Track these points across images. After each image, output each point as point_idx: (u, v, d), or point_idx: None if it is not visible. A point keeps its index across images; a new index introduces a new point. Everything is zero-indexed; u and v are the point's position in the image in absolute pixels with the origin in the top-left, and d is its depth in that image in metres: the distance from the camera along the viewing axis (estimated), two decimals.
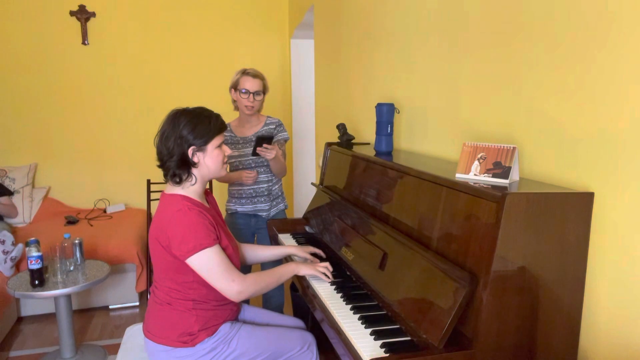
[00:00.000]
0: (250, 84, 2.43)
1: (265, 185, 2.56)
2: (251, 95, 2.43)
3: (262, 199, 2.57)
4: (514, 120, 1.50)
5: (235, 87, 2.47)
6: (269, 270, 1.76)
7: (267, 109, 4.79)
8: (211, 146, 1.66)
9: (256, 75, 2.46)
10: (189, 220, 1.57)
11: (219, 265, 1.59)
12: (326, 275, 1.77)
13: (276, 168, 2.49)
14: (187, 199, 1.63)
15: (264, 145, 2.27)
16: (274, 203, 2.61)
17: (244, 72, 2.46)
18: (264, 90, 2.50)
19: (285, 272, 1.78)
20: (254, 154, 2.30)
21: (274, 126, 2.57)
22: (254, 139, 2.46)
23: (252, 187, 2.55)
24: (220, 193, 4.46)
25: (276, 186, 2.63)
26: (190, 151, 1.62)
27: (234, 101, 2.52)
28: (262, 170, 2.54)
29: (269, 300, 2.61)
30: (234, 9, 4.58)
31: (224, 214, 2.40)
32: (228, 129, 2.56)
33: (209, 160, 1.66)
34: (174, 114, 1.65)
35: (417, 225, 1.53)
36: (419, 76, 2.08)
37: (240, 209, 2.59)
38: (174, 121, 1.63)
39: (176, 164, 1.62)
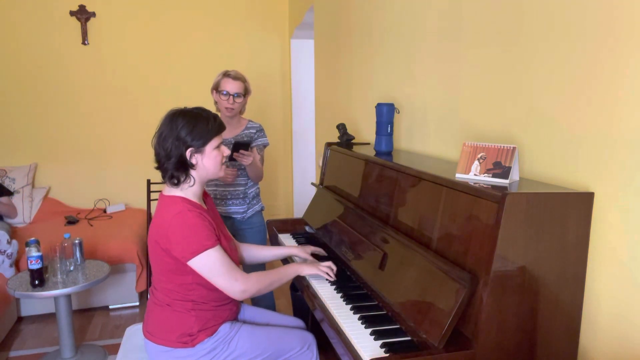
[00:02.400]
0: (230, 86, 2.41)
1: (242, 188, 2.55)
2: (231, 97, 2.41)
3: (237, 202, 2.55)
4: (514, 120, 1.50)
5: (216, 88, 2.46)
6: (272, 270, 1.76)
7: (267, 109, 4.80)
8: (209, 147, 1.64)
9: (237, 77, 2.44)
10: (190, 222, 1.57)
11: (222, 265, 1.59)
12: (329, 274, 1.78)
13: (253, 173, 2.47)
14: (186, 201, 1.62)
15: (241, 151, 2.26)
16: (250, 205, 2.59)
17: (225, 74, 2.45)
18: (245, 93, 2.47)
19: (288, 273, 1.78)
20: (231, 159, 2.29)
21: (255, 131, 2.55)
22: (232, 142, 2.46)
23: (227, 188, 2.53)
24: None
25: (252, 189, 2.60)
26: (188, 153, 1.60)
27: (215, 103, 2.51)
28: (239, 173, 2.52)
29: (257, 304, 2.59)
30: (234, 9, 4.58)
31: None
32: None
33: (207, 161, 1.65)
34: (171, 115, 1.63)
35: (417, 225, 1.53)
36: (419, 76, 2.08)
37: None
38: (171, 122, 1.60)
39: (174, 166, 1.60)
